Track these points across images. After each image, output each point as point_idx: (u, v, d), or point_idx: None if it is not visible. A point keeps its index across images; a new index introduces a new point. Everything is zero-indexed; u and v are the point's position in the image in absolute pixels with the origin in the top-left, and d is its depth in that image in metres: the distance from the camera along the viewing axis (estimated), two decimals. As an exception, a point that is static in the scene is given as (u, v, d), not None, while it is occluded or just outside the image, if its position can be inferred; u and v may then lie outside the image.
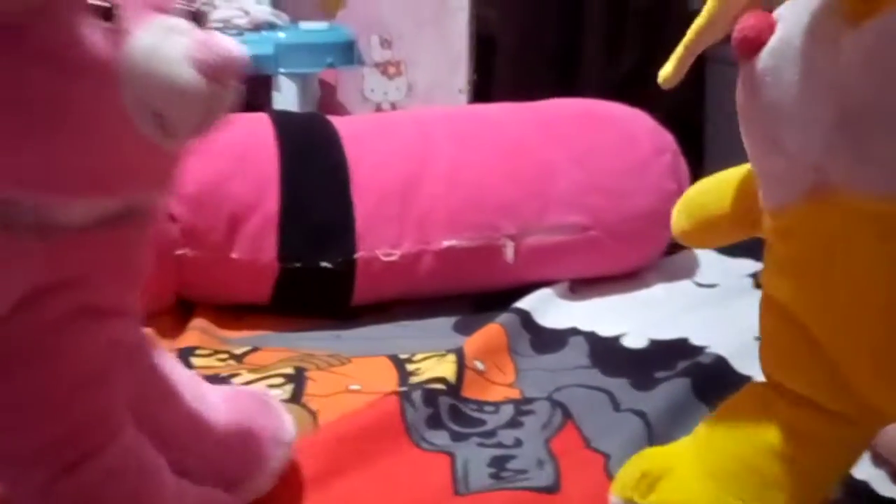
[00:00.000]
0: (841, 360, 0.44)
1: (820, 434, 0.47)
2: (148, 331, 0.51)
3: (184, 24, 0.39)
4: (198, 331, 0.83)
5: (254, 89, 1.36)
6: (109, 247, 0.42)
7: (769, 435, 0.48)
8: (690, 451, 0.52)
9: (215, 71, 0.37)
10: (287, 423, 0.57)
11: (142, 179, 0.41)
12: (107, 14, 0.36)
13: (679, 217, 0.56)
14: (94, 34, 0.36)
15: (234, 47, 0.38)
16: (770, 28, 0.40)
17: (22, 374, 0.40)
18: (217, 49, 0.37)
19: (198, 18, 0.40)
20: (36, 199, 0.38)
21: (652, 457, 0.54)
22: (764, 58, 0.40)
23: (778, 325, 0.48)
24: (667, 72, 0.46)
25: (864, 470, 0.59)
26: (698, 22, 0.45)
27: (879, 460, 0.59)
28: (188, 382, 0.52)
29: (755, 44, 0.41)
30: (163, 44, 0.37)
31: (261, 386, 0.71)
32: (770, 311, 0.49)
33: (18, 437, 0.40)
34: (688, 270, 1.02)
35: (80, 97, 0.36)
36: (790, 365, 0.48)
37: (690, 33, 0.45)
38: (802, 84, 0.39)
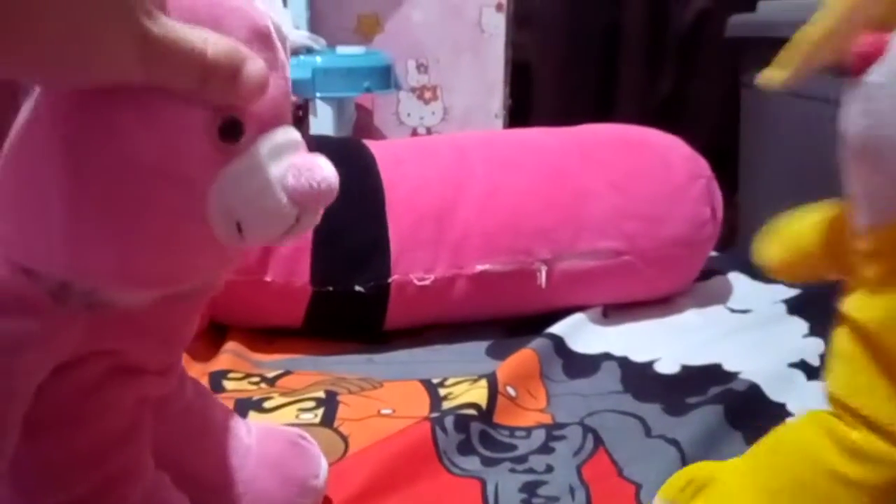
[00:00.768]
0: None
1: (888, 458, 0.46)
2: (184, 365, 0.50)
3: (291, 141, 0.39)
4: (230, 354, 0.83)
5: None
6: (158, 321, 0.42)
7: (831, 456, 0.47)
8: (742, 466, 0.52)
9: (306, 199, 0.38)
10: (321, 468, 0.56)
11: (208, 271, 0.41)
12: (231, 131, 0.37)
13: (771, 248, 0.56)
14: (205, 150, 0.36)
15: (330, 176, 0.39)
16: (883, 44, 0.41)
17: (52, 435, 0.39)
18: (312, 179, 0.38)
19: (300, 120, 0.41)
20: (99, 287, 0.38)
21: (701, 466, 0.54)
22: (872, 73, 0.41)
23: (854, 347, 0.48)
24: (774, 73, 0.46)
25: None
26: (816, 34, 0.45)
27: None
28: (222, 422, 0.52)
29: (868, 60, 0.41)
30: (263, 166, 0.38)
31: (292, 410, 0.72)
32: (847, 333, 0.48)
33: (46, 498, 0.40)
34: (721, 296, 1.02)
35: (170, 205, 0.36)
36: (864, 386, 0.47)
37: (806, 45, 0.45)
38: None
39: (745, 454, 0.53)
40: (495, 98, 1.88)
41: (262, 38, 0.38)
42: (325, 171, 0.38)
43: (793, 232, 0.55)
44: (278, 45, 0.40)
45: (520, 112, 1.89)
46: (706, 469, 0.54)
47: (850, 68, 0.42)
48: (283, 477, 0.53)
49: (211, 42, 0.35)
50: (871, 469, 0.46)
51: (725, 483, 0.51)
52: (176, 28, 0.34)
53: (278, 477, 0.53)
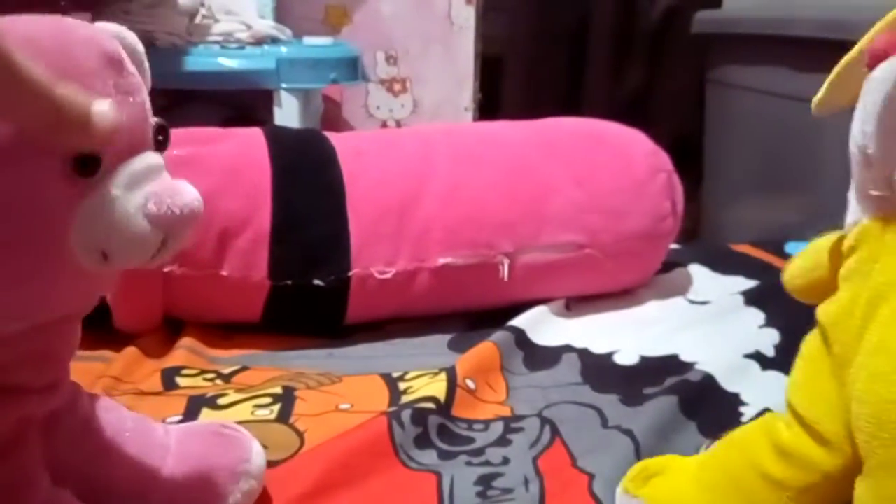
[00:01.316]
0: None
1: (810, 462, 0.46)
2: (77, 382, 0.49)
3: (151, 167, 0.39)
4: (185, 350, 0.82)
5: (254, 104, 1.37)
6: (35, 344, 0.41)
7: (763, 454, 0.48)
8: (695, 461, 0.54)
9: (168, 225, 0.38)
10: (253, 453, 0.55)
11: (80, 298, 0.41)
12: (86, 166, 0.37)
13: (792, 275, 0.56)
14: (60, 187, 0.36)
15: (192, 200, 0.39)
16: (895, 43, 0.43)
17: None
18: (174, 205, 0.38)
19: (162, 134, 0.41)
20: None
21: (660, 459, 0.56)
22: (876, 69, 0.43)
23: (814, 348, 0.48)
24: (819, 97, 0.49)
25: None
26: (850, 54, 0.47)
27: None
28: (133, 430, 0.51)
29: (880, 58, 0.43)
30: (123, 196, 0.38)
31: (247, 406, 0.71)
32: (814, 335, 0.49)
33: None
34: (681, 288, 1.03)
35: (30, 242, 0.36)
36: (804, 384, 0.48)
37: (843, 62, 0.48)
38: None
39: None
40: (465, 91, 1.87)
41: (114, 65, 0.38)
42: (186, 195, 0.39)
43: (809, 255, 0.55)
44: (132, 69, 0.40)
45: (490, 105, 1.89)
46: (662, 462, 0.55)
47: (867, 64, 0.44)
48: (209, 469, 0.53)
49: (58, 89, 0.34)
50: (794, 471, 0.47)
51: (674, 474, 0.52)
52: (29, 72, 0.32)
53: (203, 470, 0.52)
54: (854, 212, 0.47)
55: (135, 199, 0.38)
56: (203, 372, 0.79)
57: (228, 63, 1.29)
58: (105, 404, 0.51)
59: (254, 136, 0.91)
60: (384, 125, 1.86)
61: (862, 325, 0.44)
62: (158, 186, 0.39)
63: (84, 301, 0.42)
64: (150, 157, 0.40)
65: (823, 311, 0.48)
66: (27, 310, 0.38)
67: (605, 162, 0.97)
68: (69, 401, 0.47)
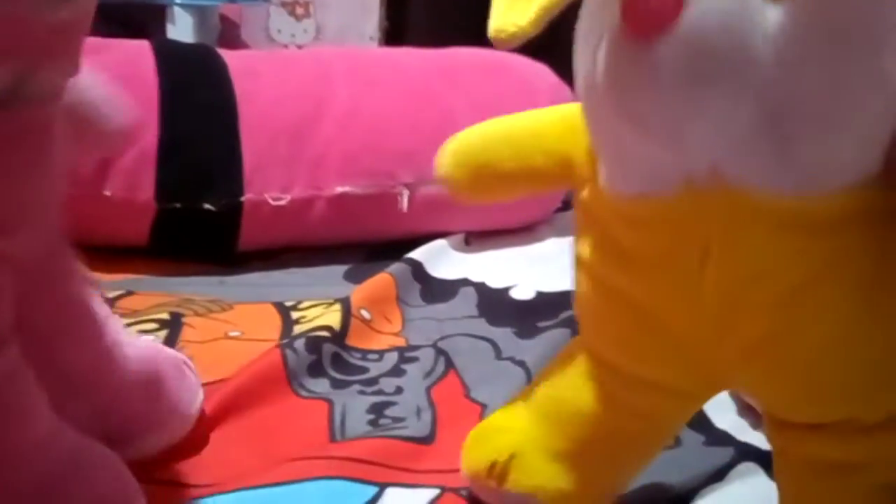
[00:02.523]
0: (697, 346, 0.41)
1: (653, 408, 0.45)
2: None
3: None
4: (66, 272, 0.78)
5: (144, 20, 1.29)
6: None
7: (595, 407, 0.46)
8: (528, 430, 0.49)
9: None
10: (197, 398, 0.55)
11: (26, 48, 0.37)
12: None
13: (454, 163, 0.51)
14: None
15: None
16: (677, 7, 0.32)
17: None
18: None
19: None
20: None
21: (493, 440, 0.50)
22: (673, 44, 0.32)
23: (611, 307, 0.43)
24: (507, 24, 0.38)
25: (727, 419, 0.61)
26: None
27: (746, 411, 0.61)
28: (110, 328, 0.50)
29: (658, 22, 0.32)
30: None
31: (131, 332, 0.68)
32: (600, 293, 0.44)
33: None
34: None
35: None
36: (627, 344, 0.44)
37: None
38: (717, 79, 0.32)
39: (524, 401, 0.51)
40: (371, 19, 1.82)
41: None
42: None
43: (474, 146, 0.51)
44: None
45: (395, 35, 1.84)
46: (499, 443, 0.50)
47: (630, 26, 0.33)
48: (158, 394, 0.52)
49: None
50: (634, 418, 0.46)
51: (523, 458, 0.48)
52: None
53: (153, 392, 0.52)
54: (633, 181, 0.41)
55: None
56: (83, 296, 0.75)
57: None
58: (89, 291, 0.49)
59: (140, 49, 0.86)
60: (285, 50, 1.79)
61: None
62: None
63: (36, 52, 0.38)
64: None
65: (632, 286, 0.42)
66: None
67: (508, 92, 0.96)
68: (57, 263, 0.46)
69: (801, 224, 0.35)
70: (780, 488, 0.43)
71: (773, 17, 0.31)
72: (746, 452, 0.56)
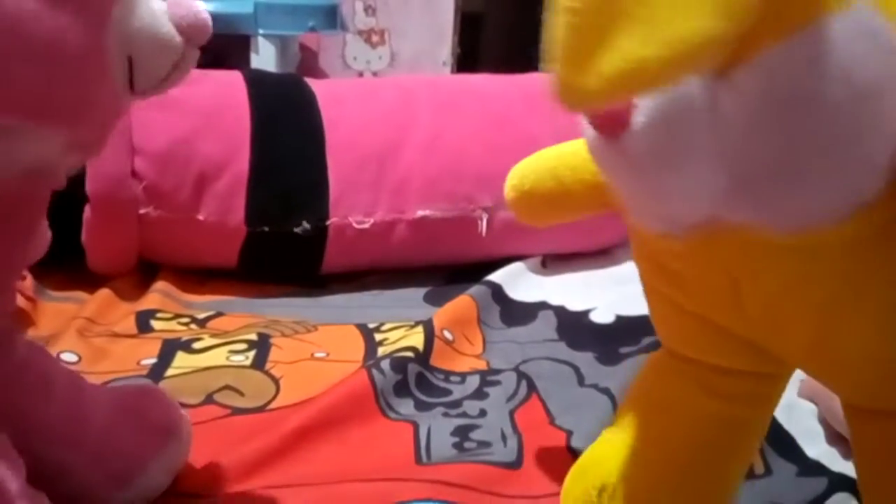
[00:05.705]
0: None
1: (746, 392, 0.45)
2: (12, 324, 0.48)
3: None
4: (159, 293, 0.81)
5: (230, 50, 1.34)
6: None
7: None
8: (628, 456, 0.49)
9: (189, 28, 0.41)
10: (182, 417, 0.54)
11: (94, 117, 0.41)
12: None
13: (510, 188, 0.54)
14: None
15: (203, 9, 0.43)
16: (628, 111, 0.34)
17: None
18: (190, 8, 0.42)
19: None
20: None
21: (595, 470, 0.50)
22: (635, 138, 0.34)
23: (675, 313, 0.45)
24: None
25: (818, 448, 0.60)
26: None
27: (834, 439, 0.59)
28: (67, 376, 0.50)
29: (615, 125, 0.35)
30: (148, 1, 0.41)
31: (222, 351, 0.70)
32: (661, 301, 0.46)
33: None
34: (659, 248, 1.03)
35: (74, 34, 0.37)
36: (697, 344, 0.45)
37: None
38: (683, 157, 0.34)
39: (620, 428, 0.50)
40: (444, 45, 1.85)
41: None
42: (199, 4, 0.43)
43: (526, 173, 0.53)
44: None
45: (468, 62, 1.87)
46: (602, 472, 0.49)
47: (600, 134, 0.36)
48: (141, 424, 0.52)
49: None
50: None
51: (626, 485, 0.48)
52: None
53: (135, 424, 0.51)
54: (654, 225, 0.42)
55: (158, 3, 0.41)
56: (178, 316, 0.78)
57: (204, 6, 1.26)
58: (36, 347, 0.50)
59: (233, 79, 0.89)
60: (361, 77, 1.83)
61: None
62: None
63: (96, 124, 0.42)
64: None
65: (684, 300, 0.44)
66: (67, 108, 0.39)
67: (587, 119, 0.96)
68: (4, 339, 0.46)
69: (815, 249, 0.36)
70: (858, 471, 0.43)
71: (722, 94, 0.33)
72: (840, 482, 0.55)
